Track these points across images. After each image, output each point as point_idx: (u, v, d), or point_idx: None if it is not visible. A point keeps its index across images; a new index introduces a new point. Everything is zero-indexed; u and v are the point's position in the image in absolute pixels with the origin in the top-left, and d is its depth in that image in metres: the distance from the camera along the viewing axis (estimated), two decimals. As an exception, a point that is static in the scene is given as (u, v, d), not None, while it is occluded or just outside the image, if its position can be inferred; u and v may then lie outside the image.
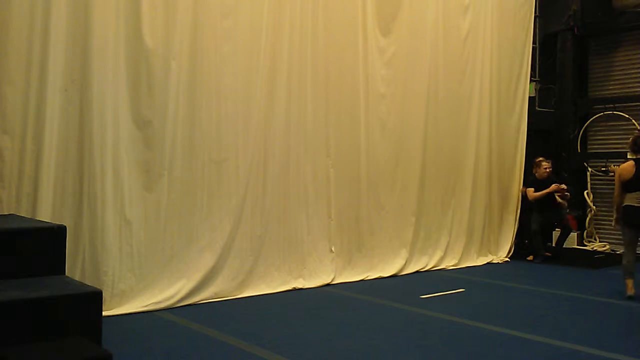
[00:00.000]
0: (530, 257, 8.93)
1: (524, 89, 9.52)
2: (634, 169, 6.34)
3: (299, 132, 6.96)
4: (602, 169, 10.10)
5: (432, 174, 8.32)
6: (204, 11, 6.13)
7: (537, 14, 9.90)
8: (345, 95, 7.41)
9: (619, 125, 10.14)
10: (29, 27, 5.14)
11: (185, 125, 6.04)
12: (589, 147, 10.54)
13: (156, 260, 5.84)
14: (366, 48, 7.61)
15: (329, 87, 7.24)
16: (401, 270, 7.84)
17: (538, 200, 8.85)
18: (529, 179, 9.17)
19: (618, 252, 9.66)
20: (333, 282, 7.12)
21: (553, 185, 8.77)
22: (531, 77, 9.74)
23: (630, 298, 6.48)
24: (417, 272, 7.99)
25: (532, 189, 8.95)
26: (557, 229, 9.13)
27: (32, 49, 5.15)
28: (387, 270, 7.72)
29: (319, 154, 7.16)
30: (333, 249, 7.26)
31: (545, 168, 8.89)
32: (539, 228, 8.84)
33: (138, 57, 5.72)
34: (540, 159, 9.11)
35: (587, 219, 10.13)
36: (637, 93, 9.90)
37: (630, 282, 6.56)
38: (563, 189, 8.81)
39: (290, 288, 6.75)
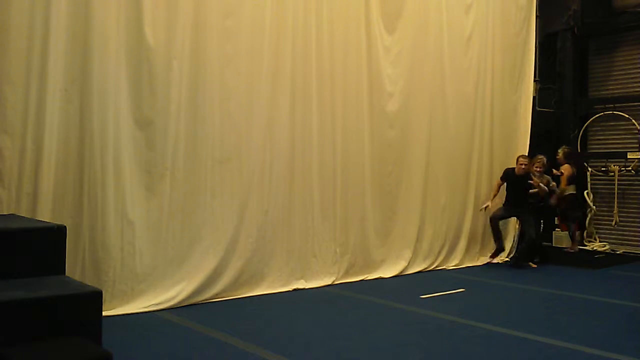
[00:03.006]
0: (535, 265, 8.57)
1: (527, 89, 9.50)
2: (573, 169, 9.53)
3: (304, 132, 6.94)
4: (602, 169, 10.10)
5: (436, 175, 8.31)
6: (206, 10, 6.11)
7: (537, 14, 9.89)
8: (350, 95, 7.40)
9: (619, 125, 10.14)
10: (29, 27, 5.13)
11: (188, 125, 6.02)
12: (589, 147, 10.54)
13: (158, 261, 5.83)
14: (371, 47, 7.60)
15: (334, 86, 7.23)
16: (404, 270, 7.85)
17: (507, 193, 8.61)
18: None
19: (618, 252, 9.69)
20: (335, 283, 7.13)
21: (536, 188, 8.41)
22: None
23: None
24: (418, 272, 7.99)
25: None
26: (557, 229, 9.10)
27: (32, 49, 5.14)
28: (391, 271, 7.72)
29: (324, 154, 7.14)
30: (337, 250, 7.26)
31: (521, 164, 8.42)
32: (536, 236, 8.48)
33: (140, 57, 5.71)
34: (520, 155, 8.68)
35: (587, 219, 10.13)
36: (637, 93, 9.90)
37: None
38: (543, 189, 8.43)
39: (293, 288, 6.76)
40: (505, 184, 8.65)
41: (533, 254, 8.60)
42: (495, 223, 8.62)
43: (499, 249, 8.76)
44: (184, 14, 5.96)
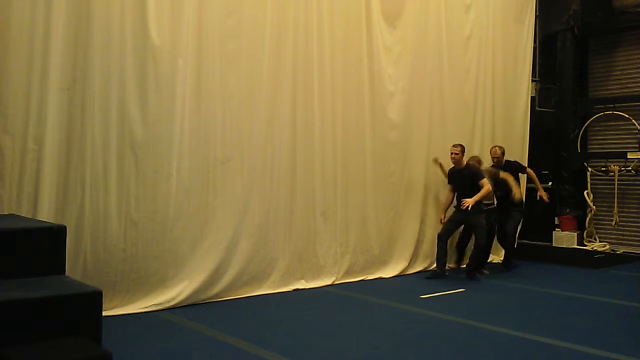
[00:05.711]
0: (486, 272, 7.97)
1: (527, 88, 9.50)
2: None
3: (306, 132, 6.95)
4: (602, 169, 10.09)
5: (437, 174, 8.28)
6: (208, 9, 6.11)
7: (537, 14, 9.90)
8: (351, 94, 7.40)
9: (619, 125, 10.13)
10: (30, 26, 5.13)
11: (192, 124, 6.01)
12: (589, 147, 10.54)
13: (159, 261, 5.82)
14: (372, 46, 7.60)
15: (335, 86, 7.23)
16: (405, 270, 7.85)
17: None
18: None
19: (618, 252, 9.69)
20: (335, 283, 7.12)
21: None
22: (531, 77, 9.74)
23: None
24: (418, 272, 7.99)
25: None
26: (557, 229, 9.02)
27: (34, 48, 5.14)
28: (391, 271, 7.73)
29: (325, 154, 7.14)
30: (338, 250, 7.26)
31: (451, 153, 7.61)
32: (486, 241, 7.80)
33: (145, 55, 5.70)
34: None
35: (587, 219, 10.12)
36: (637, 93, 9.89)
37: None
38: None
39: (294, 288, 6.76)
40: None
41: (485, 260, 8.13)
42: (442, 241, 7.54)
43: (438, 273, 7.52)
44: (188, 12, 5.95)
